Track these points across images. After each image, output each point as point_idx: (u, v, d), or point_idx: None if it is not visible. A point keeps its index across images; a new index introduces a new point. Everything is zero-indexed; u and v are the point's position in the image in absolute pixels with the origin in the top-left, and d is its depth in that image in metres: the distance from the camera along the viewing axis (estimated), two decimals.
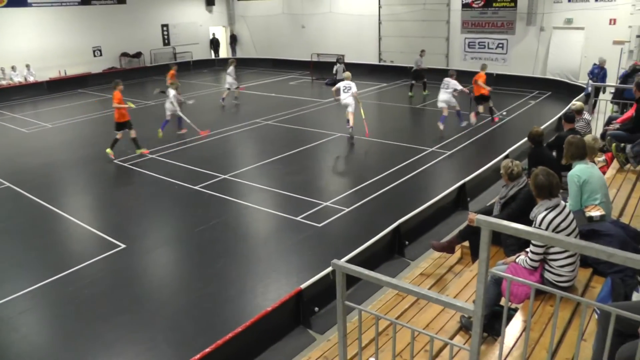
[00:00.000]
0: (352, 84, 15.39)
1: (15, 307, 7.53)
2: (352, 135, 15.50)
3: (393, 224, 8.65)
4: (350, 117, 15.26)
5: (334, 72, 24.84)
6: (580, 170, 5.97)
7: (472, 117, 16.38)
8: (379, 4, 27.56)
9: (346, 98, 15.30)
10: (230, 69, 20.94)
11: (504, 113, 18.06)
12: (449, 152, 13.73)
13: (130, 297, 7.74)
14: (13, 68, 25.25)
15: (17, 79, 25.41)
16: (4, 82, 25.02)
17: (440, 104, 15.67)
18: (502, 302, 4.98)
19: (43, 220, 10.63)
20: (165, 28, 31.99)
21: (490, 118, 16.87)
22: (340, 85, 15.56)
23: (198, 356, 5.59)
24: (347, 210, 10.33)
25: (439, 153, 13.66)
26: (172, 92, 16.03)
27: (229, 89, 21.08)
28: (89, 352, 6.58)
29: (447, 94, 15.60)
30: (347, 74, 16.15)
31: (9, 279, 8.29)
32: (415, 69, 21.64)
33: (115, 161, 13.95)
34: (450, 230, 9.18)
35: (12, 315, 7.36)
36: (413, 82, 21.86)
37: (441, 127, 15.30)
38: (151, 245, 9.41)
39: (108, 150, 14.18)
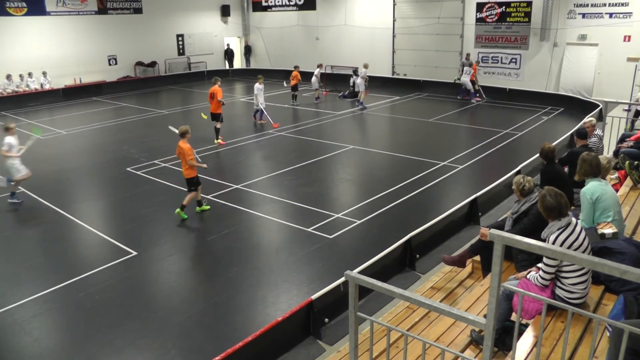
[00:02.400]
0: (363, 70, 22.55)
1: (27, 311, 7.61)
2: (363, 108, 22.15)
3: (404, 237, 8.66)
4: (362, 96, 22.49)
5: (351, 84, 25.05)
6: (593, 187, 5.97)
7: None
8: (394, 17, 27.72)
9: (358, 80, 22.77)
10: (317, 71, 24.18)
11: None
12: (461, 167, 13.73)
13: (141, 304, 7.80)
14: (30, 75, 25.58)
15: (34, 85, 25.72)
16: (20, 89, 25.33)
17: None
18: (513, 317, 4.99)
19: (56, 226, 10.74)
20: (180, 38, 32.29)
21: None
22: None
23: None
24: (359, 222, 10.35)
25: (451, 167, 13.67)
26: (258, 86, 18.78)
27: (317, 89, 24.39)
28: (99, 357, 6.62)
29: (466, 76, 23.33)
30: (366, 63, 22.91)
31: (22, 283, 8.38)
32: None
33: (128, 169, 14.10)
34: (462, 244, 9.18)
35: (25, 318, 7.44)
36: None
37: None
38: (163, 253, 9.46)
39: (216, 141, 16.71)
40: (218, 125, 16.70)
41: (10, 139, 11.93)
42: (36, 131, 13.56)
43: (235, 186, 12.56)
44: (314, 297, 6.92)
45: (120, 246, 9.61)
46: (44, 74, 25.99)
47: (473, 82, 23.45)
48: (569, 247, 4.54)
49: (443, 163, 14.00)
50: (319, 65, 24.48)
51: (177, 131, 10.77)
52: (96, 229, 10.48)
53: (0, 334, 7.15)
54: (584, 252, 4.60)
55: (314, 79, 24.16)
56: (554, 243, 4.58)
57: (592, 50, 22.03)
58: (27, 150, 12.20)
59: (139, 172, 13.86)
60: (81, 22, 27.60)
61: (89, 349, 6.79)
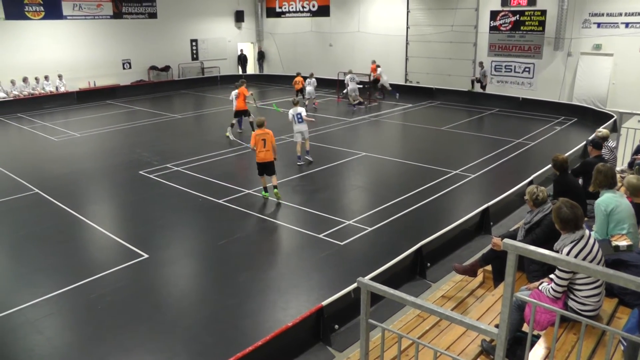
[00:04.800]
0: (352, 76, 24.05)
1: (40, 311, 7.67)
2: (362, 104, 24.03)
3: (415, 245, 8.63)
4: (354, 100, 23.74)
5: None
6: (608, 199, 5.92)
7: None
8: (407, 24, 27.75)
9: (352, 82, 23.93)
10: (312, 80, 23.74)
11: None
12: (473, 175, 13.68)
13: (151, 307, 7.82)
14: (46, 78, 25.84)
15: (49, 88, 25.97)
16: (36, 91, 25.58)
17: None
18: (524, 328, 4.96)
19: (69, 227, 10.82)
20: (194, 43, 32.52)
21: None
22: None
23: None
24: (370, 229, 10.34)
25: (463, 176, 13.63)
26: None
27: (308, 99, 23.53)
28: (108, 358, 6.66)
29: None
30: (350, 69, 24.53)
31: (35, 283, 8.45)
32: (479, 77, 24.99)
33: (140, 172, 14.19)
34: (473, 253, 9.13)
35: (38, 317, 7.50)
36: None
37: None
38: (174, 257, 9.51)
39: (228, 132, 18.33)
40: (251, 119, 18.21)
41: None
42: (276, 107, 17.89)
43: (247, 191, 12.60)
44: (324, 303, 6.89)
45: (131, 248, 9.65)
46: (60, 76, 26.23)
47: (377, 81, 25.31)
48: (582, 260, 4.50)
49: (455, 172, 13.97)
50: (311, 75, 24.23)
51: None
52: (108, 231, 10.54)
53: (13, 332, 7.21)
54: (597, 264, 4.56)
55: (310, 88, 23.70)
56: (567, 256, 4.54)
57: (606, 60, 21.90)
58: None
59: (151, 176, 13.93)
60: (97, 26, 27.88)
61: (99, 349, 6.82)
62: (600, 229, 5.90)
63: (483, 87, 24.95)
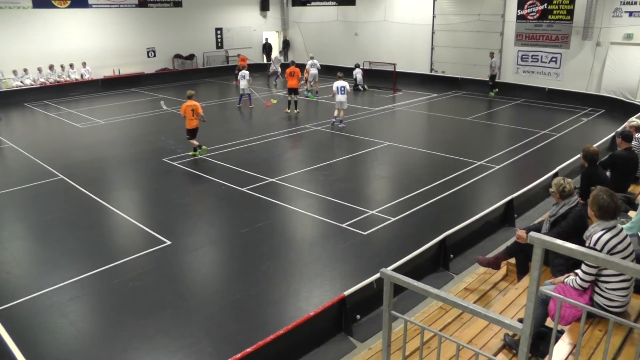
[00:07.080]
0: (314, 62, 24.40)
1: (64, 294, 7.79)
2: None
3: (438, 236, 8.56)
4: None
5: (354, 77, 26.08)
6: None
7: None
8: (433, 13, 27.41)
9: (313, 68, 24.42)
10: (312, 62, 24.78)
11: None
12: (498, 167, 13.52)
13: (173, 293, 7.89)
14: (71, 66, 26.13)
15: (74, 76, 26.26)
16: (62, 79, 25.89)
17: None
18: (548, 322, 4.88)
19: (93, 212, 10.96)
20: (219, 31, 32.56)
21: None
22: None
23: (239, 355, 5.64)
24: (393, 219, 10.28)
25: (487, 167, 13.47)
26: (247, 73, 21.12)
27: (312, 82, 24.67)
28: (131, 343, 6.74)
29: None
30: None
31: (60, 267, 8.59)
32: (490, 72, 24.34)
33: (164, 159, 14.32)
34: (496, 246, 9.04)
35: (62, 301, 7.62)
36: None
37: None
38: (196, 244, 9.57)
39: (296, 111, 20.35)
40: (296, 99, 20.31)
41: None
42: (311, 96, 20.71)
43: (271, 179, 12.61)
44: (346, 293, 6.88)
45: (154, 235, 9.74)
46: (84, 64, 26.48)
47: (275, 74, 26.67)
48: (612, 249, 4.38)
49: (479, 162, 13.81)
50: (311, 57, 25.09)
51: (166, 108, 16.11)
52: (131, 217, 10.65)
53: (38, 315, 7.33)
54: (627, 257, 4.44)
55: (315, 71, 24.52)
56: (597, 242, 4.41)
57: (638, 50, 21.33)
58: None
59: (174, 163, 14.03)
60: (122, 14, 28.06)
61: (121, 334, 6.91)
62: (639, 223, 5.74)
63: (492, 77, 24.32)
